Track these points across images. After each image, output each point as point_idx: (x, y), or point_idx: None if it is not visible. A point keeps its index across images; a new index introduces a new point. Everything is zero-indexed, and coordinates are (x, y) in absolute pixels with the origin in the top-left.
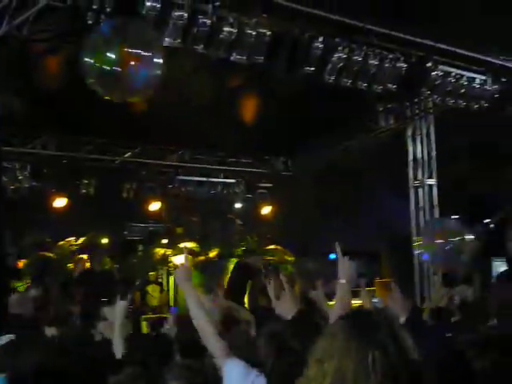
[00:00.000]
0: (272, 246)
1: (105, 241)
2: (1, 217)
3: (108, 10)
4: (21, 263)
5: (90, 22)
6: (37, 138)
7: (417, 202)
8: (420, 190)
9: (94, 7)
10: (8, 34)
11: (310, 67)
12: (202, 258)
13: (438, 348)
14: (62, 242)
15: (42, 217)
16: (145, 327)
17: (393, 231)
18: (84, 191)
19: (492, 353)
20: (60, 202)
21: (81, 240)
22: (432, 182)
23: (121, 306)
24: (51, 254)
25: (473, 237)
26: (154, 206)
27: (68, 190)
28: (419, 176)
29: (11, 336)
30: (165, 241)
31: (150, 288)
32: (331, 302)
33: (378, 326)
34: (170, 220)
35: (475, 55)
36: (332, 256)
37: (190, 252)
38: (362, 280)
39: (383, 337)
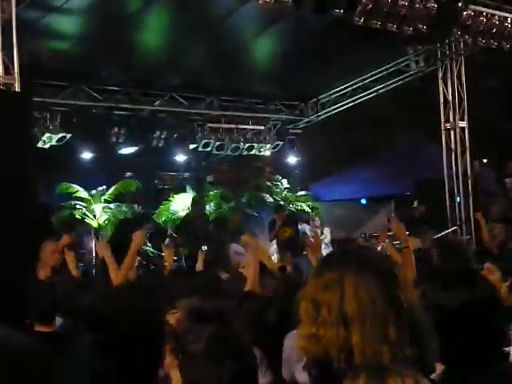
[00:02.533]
0: (302, 192)
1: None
2: (34, 167)
3: None
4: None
5: None
6: (66, 88)
7: (448, 145)
8: (452, 133)
9: None
10: None
11: (339, 9)
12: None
13: None
14: (93, 191)
15: (73, 166)
16: None
17: (425, 175)
18: (114, 140)
19: None
20: (91, 152)
21: (112, 189)
22: (463, 124)
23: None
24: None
25: None
26: (184, 154)
27: (98, 140)
28: (450, 118)
29: None
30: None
31: None
32: None
33: (374, 259)
34: (200, 168)
35: None
36: (363, 201)
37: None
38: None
39: (385, 268)
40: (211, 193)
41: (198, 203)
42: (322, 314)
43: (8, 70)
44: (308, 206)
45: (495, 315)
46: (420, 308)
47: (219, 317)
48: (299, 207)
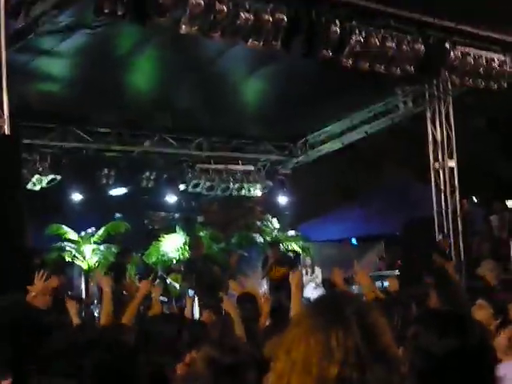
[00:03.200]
0: (292, 232)
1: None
2: (22, 209)
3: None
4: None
5: (106, 11)
6: (56, 129)
7: (437, 184)
8: (440, 172)
9: None
10: (25, 26)
11: (328, 51)
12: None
13: None
14: (82, 233)
15: (63, 207)
16: None
17: (414, 214)
18: (104, 181)
19: None
20: (80, 193)
21: (101, 230)
22: (452, 163)
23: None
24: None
25: None
26: (174, 195)
27: (88, 181)
28: (439, 158)
29: None
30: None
31: (171, 277)
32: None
33: (343, 306)
34: (190, 209)
35: (494, 35)
36: (353, 241)
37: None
38: (382, 263)
39: (347, 315)
40: (201, 233)
41: (196, 244)
42: (280, 353)
43: None
44: (298, 246)
45: (486, 362)
46: (395, 350)
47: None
48: (290, 247)
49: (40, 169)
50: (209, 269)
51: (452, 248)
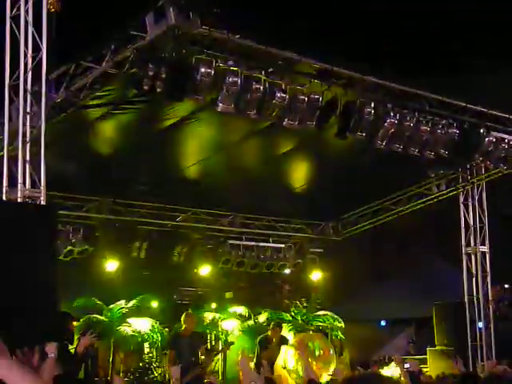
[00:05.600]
0: (322, 312)
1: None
2: (55, 279)
3: (163, 76)
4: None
5: (145, 87)
6: (90, 201)
7: (469, 269)
8: (472, 257)
9: (150, 73)
10: (66, 99)
11: (362, 132)
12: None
13: None
14: (112, 305)
15: (94, 279)
16: None
17: (444, 297)
18: (135, 254)
19: None
20: (111, 266)
21: (131, 303)
22: (484, 248)
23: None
24: (101, 317)
25: None
26: (204, 270)
27: (119, 254)
28: (471, 243)
29: None
30: (214, 305)
31: None
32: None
33: None
34: (220, 285)
35: None
36: (382, 323)
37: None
38: (412, 347)
39: None
40: (229, 310)
41: (189, 319)
42: None
43: (35, 184)
44: (327, 325)
45: None
46: None
47: None
48: (319, 327)
49: (73, 240)
50: (192, 347)
51: (483, 334)
